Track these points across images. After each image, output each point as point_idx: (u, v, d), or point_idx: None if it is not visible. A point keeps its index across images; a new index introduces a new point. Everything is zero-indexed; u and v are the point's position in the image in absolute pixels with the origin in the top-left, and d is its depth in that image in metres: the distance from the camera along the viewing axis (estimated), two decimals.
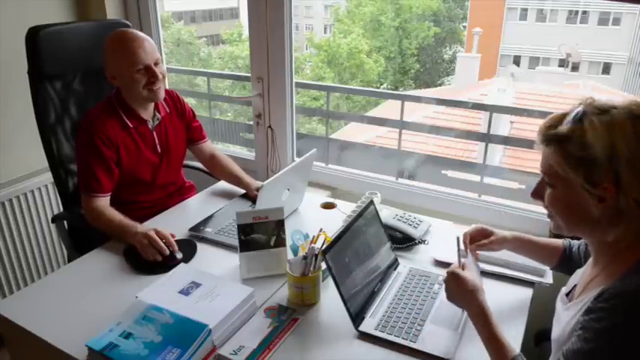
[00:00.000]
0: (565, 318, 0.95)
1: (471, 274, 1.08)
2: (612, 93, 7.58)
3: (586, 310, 0.84)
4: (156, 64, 1.54)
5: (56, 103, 1.71)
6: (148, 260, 1.37)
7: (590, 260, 0.98)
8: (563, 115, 0.87)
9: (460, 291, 1.07)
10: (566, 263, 1.22)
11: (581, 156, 0.82)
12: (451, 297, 1.10)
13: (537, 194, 0.95)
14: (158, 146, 1.67)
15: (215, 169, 1.87)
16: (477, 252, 1.27)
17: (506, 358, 0.93)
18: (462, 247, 1.23)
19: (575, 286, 1.00)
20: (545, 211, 0.96)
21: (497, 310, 1.21)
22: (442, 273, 1.33)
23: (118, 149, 1.57)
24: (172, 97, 1.74)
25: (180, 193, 1.83)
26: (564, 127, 0.85)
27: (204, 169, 1.92)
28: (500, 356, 0.95)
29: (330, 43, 11.48)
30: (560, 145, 0.85)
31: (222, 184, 1.91)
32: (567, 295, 1.01)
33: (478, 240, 1.27)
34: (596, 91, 6.81)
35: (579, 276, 1.02)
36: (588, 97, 0.87)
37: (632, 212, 0.82)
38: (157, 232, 1.40)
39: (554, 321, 1.02)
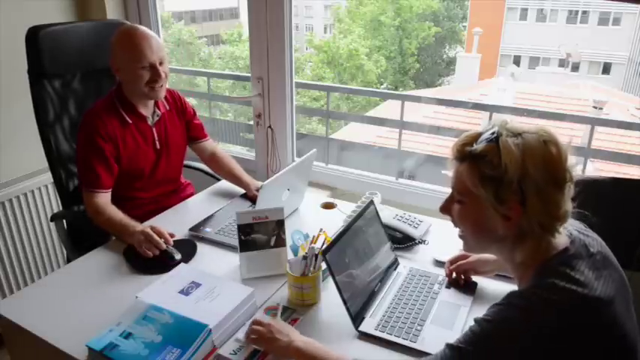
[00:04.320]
0: None
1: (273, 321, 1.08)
2: (612, 93, 7.57)
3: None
4: (160, 63, 1.55)
5: (56, 103, 1.72)
6: (146, 257, 1.37)
7: None
8: (478, 135, 0.91)
9: (272, 337, 1.04)
10: None
11: (492, 174, 0.85)
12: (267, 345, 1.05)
13: (445, 209, 0.98)
14: (157, 142, 1.68)
15: (216, 167, 1.88)
16: (462, 276, 1.29)
17: None
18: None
19: None
20: None
21: None
22: (442, 273, 1.33)
23: (118, 145, 1.58)
24: (173, 96, 1.75)
25: (177, 192, 1.84)
26: (479, 146, 0.88)
27: (205, 169, 1.93)
28: None
29: (330, 45, 11.48)
30: (473, 162, 0.89)
31: (222, 184, 1.91)
32: None
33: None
34: (595, 91, 6.81)
35: None
36: (503, 120, 0.90)
37: (535, 234, 0.88)
38: (153, 229, 1.41)
39: None
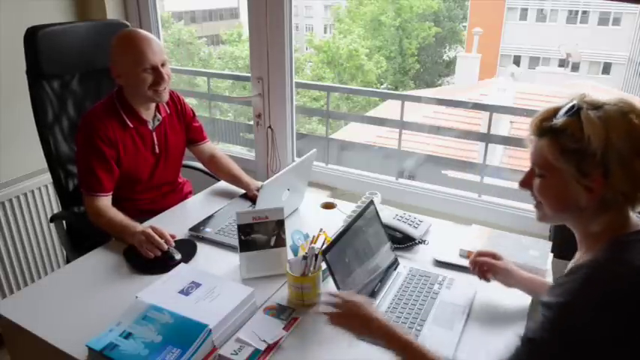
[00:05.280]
0: None
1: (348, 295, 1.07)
2: (612, 93, 7.56)
3: (551, 287, 0.88)
4: (163, 64, 1.54)
5: (55, 104, 1.71)
6: (147, 258, 1.37)
7: (577, 251, 1.00)
8: (556, 110, 0.91)
9: (353, 316, 1.03)
10: None
11: (575, 148, 0.85)
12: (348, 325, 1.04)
13: (526, 184, 0.98)
14: (157, 147, 1.67)
15: (215, 169, 1.87)
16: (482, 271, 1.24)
17: None
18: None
19: None
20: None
21: (497, 311, 1.21)
22: (442, 273, 1.33)
23: (118, 148, 1.57)
24: (173, 98, 1.74)
25: (174, 192, 1.84)
26: (560, 120, 0.88)
27: (204, 169, 1.93)
28: None
29: (330, 45, 11.47)
30: (554, 136, 0.88)
31: (222, 184, 1.91)
32: None
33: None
34: (596, 91, 6.79)
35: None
36: (581, 93, 0.90)
37: (616, 204, 0.87)
38: (154, 229, 1.41)
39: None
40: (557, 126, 0.88)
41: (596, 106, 0.86)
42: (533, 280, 1.20)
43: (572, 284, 0.83)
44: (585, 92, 0.90)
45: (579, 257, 0.97)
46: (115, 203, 1.57)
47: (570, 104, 0.88)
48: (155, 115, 1.66)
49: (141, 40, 1.51)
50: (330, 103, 2.65)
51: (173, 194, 1.82)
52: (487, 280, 1.23)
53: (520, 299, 1.24)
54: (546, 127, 0.90)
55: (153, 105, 1.64)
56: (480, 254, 1.26)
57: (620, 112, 0.85)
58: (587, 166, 0.85)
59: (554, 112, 0.90)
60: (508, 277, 1.21)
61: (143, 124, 1.63)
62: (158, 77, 1.53)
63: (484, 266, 1.23)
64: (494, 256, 1.25)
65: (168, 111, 1.71)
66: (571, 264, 1.02)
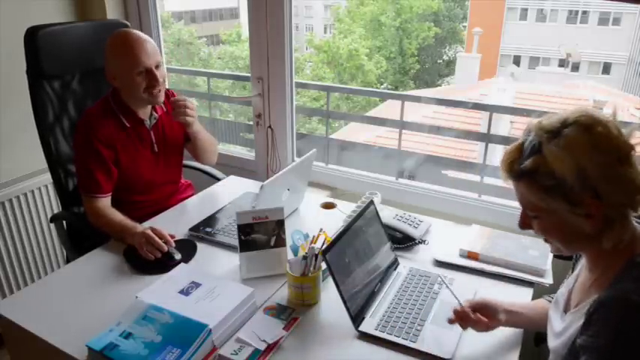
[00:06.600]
0: (561, 325, 0.95)
1: None
2: (612, 93, 7.57)
3: (583, 324, 0.84)
4: (157, 66, 1.53)
5: (55, 104, 1.71)
6: (147, 259, 1.37)
7: (585, 267, 0.97)
8: (520, 146, 0.88)
9: None
10: None
11: (552, 184, 0.83)
12: None
13: (525, 225, 0.95)
14: (155, 145, 1.67)
15: (199, 154, 1.84)
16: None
17: None
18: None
19: (569, 294, 1.00)
20: None
21: None
22: (442, 273, 1.33)
23: (116, 149, 1.57)
24: (168, 96, 1.73)
25: (177, 193, 1.83)
26: (528, 162, 0.85)
27: (205, 169, 1.93)
28: None
29: (330, 45, 11.48)
30: (530, 178, 0.86)
31: (223, 184, 1.91)
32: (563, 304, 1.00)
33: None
34: (595, 91, 6.80)
35: (572, 283, 1.01)
36: (536, 122, 0.87)
37: (622, 216, 0.85)
38: (154, 230, 1.41)
39: (549, 329, 1.01)
40: (528, 168, 0.85)
41: (555, 133, 0.83)
42: (527, 312, 1.12)
43: (606, 323, 0.80)
44: (541, 118, 0.87)
45: (593, 279, 0.92)
46: (118, 207, 1.56)
47: (530, 139, 0.86)
48: (151, 114, 1.66)
49: (134, 42, 1.50)
50: (330, 103, 2.64)
51: (176, 196, 1.82)
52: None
53: (520, 298, 1.24)
54: (518, 171, 0.87)
55: (149, 105, 1.64)
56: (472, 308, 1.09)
57: (581, 129, 0.82)
58: (574, 196, 0.82)
59: (519, 149, 0.88)
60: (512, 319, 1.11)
61: (140, 124, 1.63)
62: (152, 80, 1.52)
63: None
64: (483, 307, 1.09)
65: (165, 109, 1.71)
66: (578, 276, 0.99)
